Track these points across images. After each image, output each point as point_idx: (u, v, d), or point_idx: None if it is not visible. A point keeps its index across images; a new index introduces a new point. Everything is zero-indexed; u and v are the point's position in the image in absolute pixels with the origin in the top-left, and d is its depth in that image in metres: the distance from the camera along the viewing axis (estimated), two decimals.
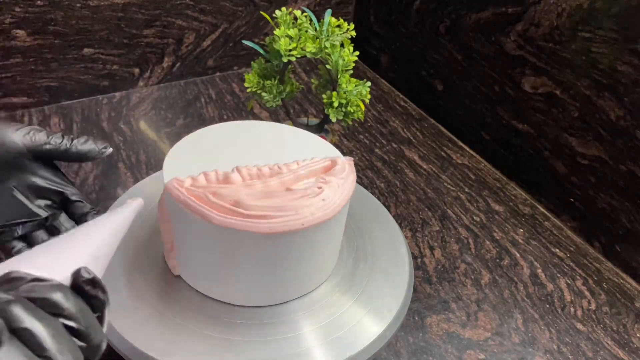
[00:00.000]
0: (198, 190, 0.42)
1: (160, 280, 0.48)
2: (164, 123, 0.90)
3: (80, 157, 0.48)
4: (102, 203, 0.71)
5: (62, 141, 0.47)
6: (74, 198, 0.50)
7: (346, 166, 0.46)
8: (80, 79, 0.91)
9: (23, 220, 0.47)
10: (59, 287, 0.25)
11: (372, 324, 0.46)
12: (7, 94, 0.86)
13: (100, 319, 0.27)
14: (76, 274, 0.27)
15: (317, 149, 0.50)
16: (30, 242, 0.48)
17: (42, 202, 0.48)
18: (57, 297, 0.25)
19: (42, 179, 0.48)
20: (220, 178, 0.44)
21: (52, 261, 0.28)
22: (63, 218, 0.50)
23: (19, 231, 0.47)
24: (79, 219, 0.50)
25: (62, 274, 0.27)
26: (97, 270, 0.30)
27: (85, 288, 0.27)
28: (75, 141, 0.48)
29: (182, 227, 0.44)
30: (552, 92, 0.77)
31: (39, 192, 0.48)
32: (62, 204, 0.50)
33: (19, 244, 0.47)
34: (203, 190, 0.42)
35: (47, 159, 0.48)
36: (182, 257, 0.47)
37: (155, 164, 0.80)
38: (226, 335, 0.43)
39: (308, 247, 0.43)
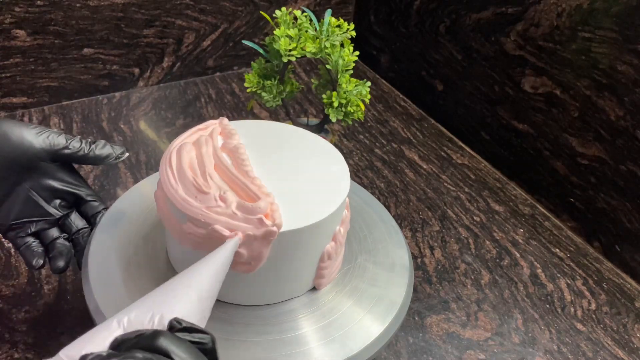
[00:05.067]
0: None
1: (160, 278, 0.48)
2: (164, 123, 0.90)
3: (98, 161, 0.49)
4: None
5: (80, 145, 0.48)
6: (88, 198, 0.51)
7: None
8: (80, 79, 0.91)
9: (37, 219, 0.49)
10: (159, 333, 0.27)
11: (372, 324, 0.46)
12: (7, 94, 0.86)
13: (214, 358, 0.29)
14: (169, 327, 0.29)
15: (318, 149, 0.50)
16: (42, 239, 0.50)
17: (57, 202, 0.50)
18: (161, 342, 0.27)
19: (58, 180, 0.49)
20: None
21: (160, 307, 0.31)
22: (74, 216, 0.51)
23: (32, 228, 0.49)
24: (91, 218, 0.52)
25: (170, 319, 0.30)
26: (200, 312, 0.33)
27: (182, 337, 0.29)
28: (93, 145, 0.49)
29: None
30: (552, 92, 0.77)
31: (54, 193, 0.49)
32: (75, 202, 0.51)
33: (30, 240, 0.49)
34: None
35: (65, 161, 0.49)
36: (172, 253, 0.47)
37: (155, 164, 0.80)
38: (226, 335, 0.43)
39: (296, 248, 0.43)
